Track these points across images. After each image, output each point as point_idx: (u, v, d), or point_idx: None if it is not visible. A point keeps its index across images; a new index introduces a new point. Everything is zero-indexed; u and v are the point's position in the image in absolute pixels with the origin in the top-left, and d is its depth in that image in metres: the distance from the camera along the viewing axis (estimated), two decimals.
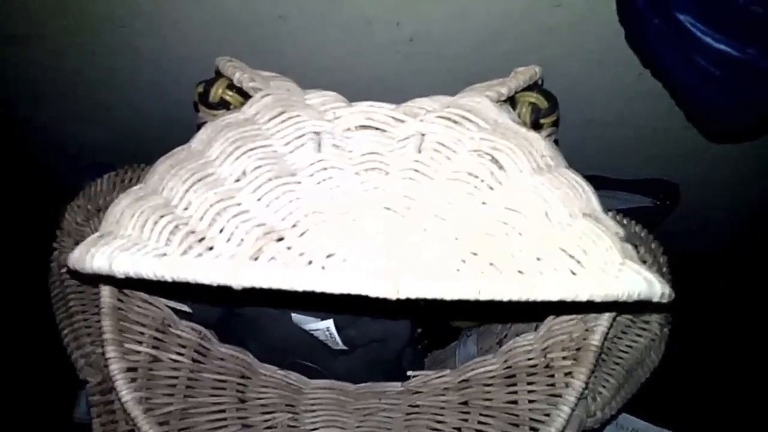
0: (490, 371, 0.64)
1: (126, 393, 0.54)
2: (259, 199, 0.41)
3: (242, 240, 0.38)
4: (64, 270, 0.65)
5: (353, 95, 0.51)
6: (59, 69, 0.92)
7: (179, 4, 0.75)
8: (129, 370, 0.55)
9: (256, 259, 0.37)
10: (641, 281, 0.39)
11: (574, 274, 0.38)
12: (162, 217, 0.39)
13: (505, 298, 0.36)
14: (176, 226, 0.39)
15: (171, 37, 0.82)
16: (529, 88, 0.53)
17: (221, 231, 0.38)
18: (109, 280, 0.55)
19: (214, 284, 0.36)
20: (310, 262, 0.37)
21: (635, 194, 0.96)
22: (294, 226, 0.39)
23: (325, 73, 0.83)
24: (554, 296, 0.36)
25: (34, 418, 1.10)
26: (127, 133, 1.05)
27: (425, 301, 0.36)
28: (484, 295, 0.36)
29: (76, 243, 0.64)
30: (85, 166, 1.08)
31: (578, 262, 0.39)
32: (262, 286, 0.35)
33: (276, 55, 0.81)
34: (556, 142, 0.54)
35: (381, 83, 0.85)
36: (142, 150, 1.05)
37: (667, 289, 0.40)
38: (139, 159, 0.77)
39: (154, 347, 0.58)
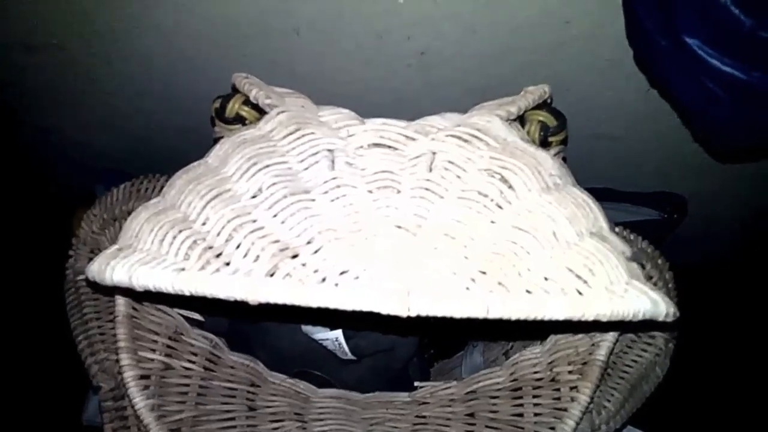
0: (497, 383, 0.65)
1: (139, 400, 0.55)
2: (274, 216, 0.42)
3: (258, 256, 0.39)
4: (79, 277, 0.66)
5: (365, 108, 0.52)
6: (75, 77, 0.93)
7: (195, 17, 0.77)
8: (142, 377, 0.56)
9: (272, 275, 0.38)
10: (647, 301, 0.39)
11: (580, 293, 0.39)
12: (180, 232, 0.41)
13: (513, 317, 0.37)
14: (194, 242, 0.40)
15: (185, 49, 0.83)
16: (538, 107, 0.54)
17: (238, 247, 0.40)
18: (122, 289, 0.57)
19: (231, 299, 0.37)
20: (324, 279, 0.38)
21: (643, 207, 0.96)
22: (308, 243, 0.40)
23: (337, 85, 0.84)
24: (561, 315, 0.37)
25: (43, 420, 1.11)
26: (139, 142, 1.07)
27: (435, 318, 0.37)
28: (493, 314, 0.37)
29: (92, 251, 0.66)
30: (98, 172, 1.10)
31: (585, 281, 0.39)
32: (278, 302, 0.36)
33: (289, 67, 0.82)
34: (564, 159, 0.55)
35: (392, 96, 0.86)
36: (154, 158, 1.07)
37: (672, 309, 0.41)
38: (150, 167, 0.78)
39: (166, 355, 0.60)
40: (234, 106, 0.54)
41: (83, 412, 1.06)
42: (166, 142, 1.03)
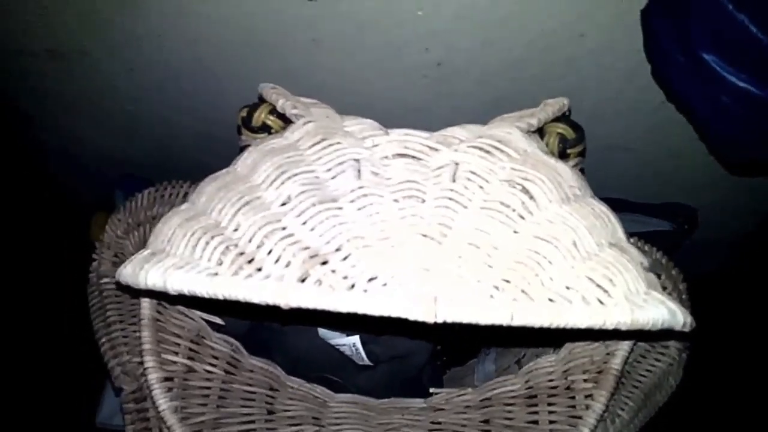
0: (512, 391, 0.66)
1: (163, 402, 0.56)
2: (304, 223, 0.43)
3: (289, 262, 0.40)
4: (103, 281, 0.67)
5: (381, 118, 0.54)
6: (96, 84, 0.95)
7: (216, 27, 0.78)
8: (166, 379, 0.57)
9: (303, 281, 0.39)
10: (665, 311, 0.40)
11: (601, 303, 0.40)
12: (213, 238, 0.42)
13: (537, 325, 0.38)
14: (227, 247, 0.41)
15: (206, 58, 0.85)
16: (557, 119, 0.55)
17: (269, 253, 0.41)
18: (148, 292, 0.58)
19: (264, 303, 0.38)
20: (353, 286, 0.39)
21: (654, 218, 0.97)
22: (337, 250, 0.41)
23: (354, 96, 0.86)
24: (583, 324, 0.38)
25: (58, 422, 1.12)
26: (158, 149, 1.08)
27: (457, 324, 0.38)
28: (517, 321, 0.38)
29: (116, 255, 0.68)
30: (116, 177, 1.12)
31: (606, 291, 0.41)
32: (309, 307, 0.37)
33: (307, 77, 0.84)
34: (582, 171, 0.56)
35: (408, 107, 0.87)
36: (172, 165, 1.09)
37: (689, 319, 0.42)
38: (168, 173, 0.80)
39: (189, 358, 0.61)
40: (260, 116, 0.55)
41: (97, 415, 1.08)
42: (185, 149, 1.05)
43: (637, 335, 0.57)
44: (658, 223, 0.97)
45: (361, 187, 0.46)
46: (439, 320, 0.37)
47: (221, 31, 0.79)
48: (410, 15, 0.72)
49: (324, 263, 0.40)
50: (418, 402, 0.71)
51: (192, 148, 1.04)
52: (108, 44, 0.86)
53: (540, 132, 0.55)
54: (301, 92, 0.58)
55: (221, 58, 0.84)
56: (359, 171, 0.47)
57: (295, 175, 0.46)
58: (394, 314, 0.37)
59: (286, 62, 0.82)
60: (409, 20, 0.73)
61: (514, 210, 0.45)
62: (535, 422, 0.62)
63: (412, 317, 0.37)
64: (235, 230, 0.43)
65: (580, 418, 0.57)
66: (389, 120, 0.54)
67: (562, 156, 0.54)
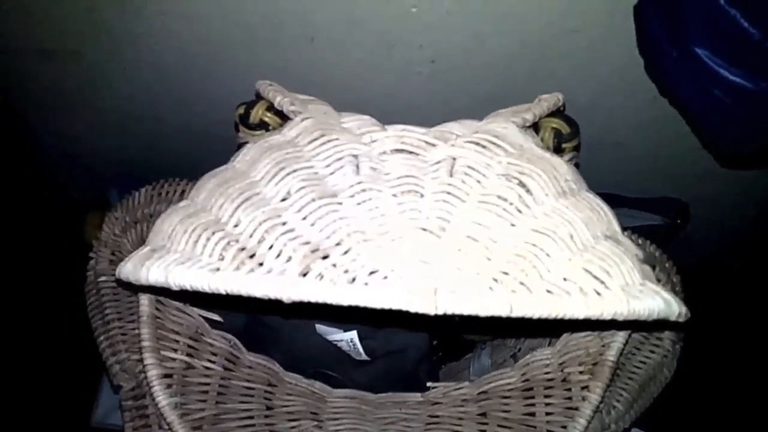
0: (508, 384, 0.66)
1: (162, 398, 0.56)
2: (304, 219, 0.43)
3: (290, 257, 0.40)
4: (101, 279, 0.68)
5: (376, 114, 0.54)
6: (90, 83, 0.95)
7: (209, 24, 0.78)
8: (165, 376, 0.58)
9: (304, 275, 0.39)
10: (660, 301, 0.41)
11: (598, 294, 0.40)
12: (214, 233, 0.42)
13: (536, 316, 0.39)
14: (228, 243, 0.42)
15: (200, 56, 0.84)
16: (552, 114, 0.56)
17: (270, 248, 0.41)
18: (148, 289, 0.58)
19: (266, 298, 0.38)
20: (354, 279, 0.39)
21: (647, 212, 0.98)
22: (338, 244, 0.42)
23: (349, 92, 0.86)
24: (581, 314, 0.39)
25: (52, 423, 1.12)
26: (152, 147, 1.08)
27: (459, 317, 0.39)
28: (516, 313, 0.38)
29: (113, 253, 0.68)
30: (111, 176, 1.11)
31: (602, 282, 0.41)
32: (311, 301, 0.38)
33: (302, 74, 0.84)
34: (576, 165, 0.57)
35: (403, 103, 0.87)
36: (166, 163, 1.09)
37: (684, 309, 0.42)
38: (162, 171, 0.80)
39: (188, 355, 0.61)
40: (258, 113, 0.55)
41: (93, 415, 1.08)
42: (179, 147, 1.05)
43: (632, 325, 0.58)
44: (650, 217, 0.98)
45: (360, 183, 0.46)
46: (440, 312, 0.38)
47: (214, 28, 0.79)
48: (404, 12, 0.72)
49: (325, 257, 0.41)
50: (415, 396, 0.71)
51: (187, 146, 1.04)
52: (101, 43, 0.86)
53: (535, 127, 0.56)
54: (296, 90, 0.58)
55: (216, 56, 0.84)
56: (358, 166, 0.48)
57: (295, 171, 0.47)
58: (395, 307, 0.38)
59: (280, 60, 0.82)
60: (402, 17, 0.73)
61: (511, 204, 0.46)
62: (532, 414, 0.63)
63: (413, 309, 0.38)
64: (236, 226, 0.43)
65: (576, 409, 0.57)
66: (384, 117, 0.54)
67: (557, 150, 0.55)
